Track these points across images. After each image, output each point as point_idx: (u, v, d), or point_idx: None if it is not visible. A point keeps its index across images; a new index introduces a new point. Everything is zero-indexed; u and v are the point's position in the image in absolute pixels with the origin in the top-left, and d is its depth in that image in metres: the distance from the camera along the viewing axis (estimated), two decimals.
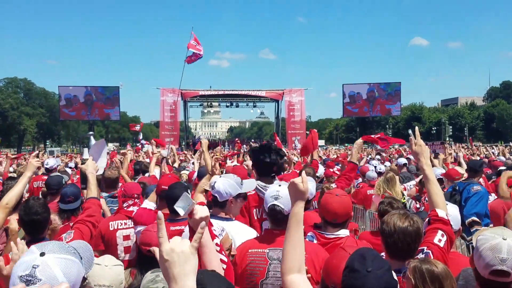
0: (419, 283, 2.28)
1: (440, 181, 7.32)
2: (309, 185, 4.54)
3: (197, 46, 11.97)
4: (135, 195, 4.86)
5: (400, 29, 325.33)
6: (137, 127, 32.20)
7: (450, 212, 3.35)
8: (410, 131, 3.43)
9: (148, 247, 3.19)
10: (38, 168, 4.77)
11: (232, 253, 3.01)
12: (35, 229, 3.56)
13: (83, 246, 2.09)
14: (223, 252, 2.51)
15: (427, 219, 2.99)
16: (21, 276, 1.49)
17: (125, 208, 4.79)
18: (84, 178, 4.51)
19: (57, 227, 4.37)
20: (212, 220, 3.04)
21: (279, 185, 3.23)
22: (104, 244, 4.53)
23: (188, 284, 1.49)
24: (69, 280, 1.52)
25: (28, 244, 3.44)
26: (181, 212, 2.37)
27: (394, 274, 1.97)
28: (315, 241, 3.31)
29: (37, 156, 4.84)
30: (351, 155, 5.50)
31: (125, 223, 4.64)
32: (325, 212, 3.37)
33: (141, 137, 28.75)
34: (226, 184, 3.53)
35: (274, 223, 3.15)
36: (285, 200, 3.03)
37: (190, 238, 2.46)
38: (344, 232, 3.32)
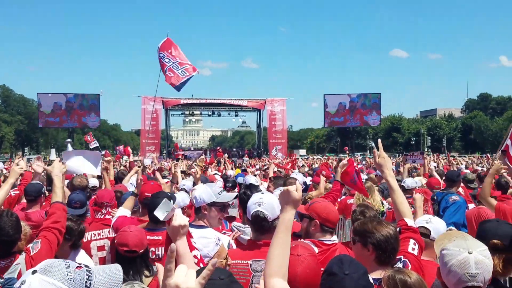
0: None
1: (409, 191, 7.42)
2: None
3: (172, 52, 11.16)
4: (105, 203, 4.83)
5: (380, 41, 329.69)
6: (89, 138, 32.15)
7: (434, 220, 3.50)
8: (372, 143, 3.53)
9: (125, 248, 3.20)
10: (21, 175, 4.66)
11: (229, 262, 2.96)
12: (4, 247, 3.32)
13: (108, 271, 1.67)
14: (200, 265, 2.52)
15: (398, 228, 3.02)
16: None
17: (100, 217, 4.76)
18: (50, 180, 4.19)
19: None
20: (201, 230, 3.06)
21: (262, 193, 3.22)
22: None
23: None
24: None
25: None
26: (161, 216, 2.38)
27: (370, 278, 2.05)
28: (316, 249, 3.29)
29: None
30: (337, 174, 5.57)
31: (99, 234, 4.58)
32: (322, 219, 3.42)
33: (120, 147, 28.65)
34: (202, 191, 3.53)
35: (258, 231, 3.10)
36: (268, 207, 3.02)
37: (166, 247, 2.48)
38: (335, 238, 3.46)
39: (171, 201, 2.62)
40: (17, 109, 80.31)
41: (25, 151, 73.97)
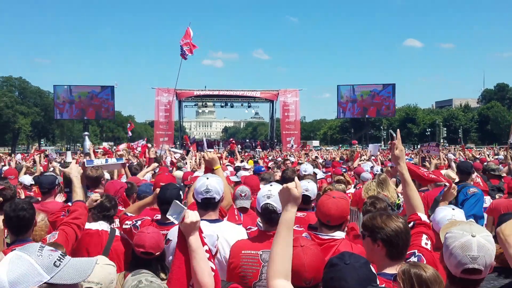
0: (406, 287, 2.28)
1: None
2: (310, 186, 4.54)
3: (189, 41, 12.19)
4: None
5: (393, 31, 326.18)
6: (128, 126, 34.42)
7: (458, 217, 3.37)
8: (391, 132, 3.46)
9: (141, 249, 3.20)
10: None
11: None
12: (21, 226, 3.56)
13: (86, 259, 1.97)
14: (212, 260, 2.52)
15: (411, 223, 3.00)
16: None
17: None
18: (68, 182, 4.50)
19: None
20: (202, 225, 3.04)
21: (271, 185, 3.23)
22: None
23: None
24: (10, 276, 1.50)
25: (12, 245, 3.46)
26: (175, 221, 2.41)
27: (372, 268, 2.05)
28: None
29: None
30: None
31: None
32: (320, 213, 3.36)
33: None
34: (219, 182, 3.53)
35: (268, 223, 3.15)
36: (277, 199, 2.96)
37: (178, 242, 2.49)
38: (339, 234, 3.29)
39: (181, 195, 2.64)
40: (33, 101, 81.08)
41: (41, 142, 74.73)
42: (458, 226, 2.38)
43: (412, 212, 3.16)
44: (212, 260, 2.51)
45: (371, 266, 2.06)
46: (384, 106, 57.68)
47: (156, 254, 3.24)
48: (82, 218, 3.77)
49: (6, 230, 3.82)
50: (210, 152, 4.41)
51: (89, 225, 3.98)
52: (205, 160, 4.34)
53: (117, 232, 4.13)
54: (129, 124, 39.68)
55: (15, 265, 1.51)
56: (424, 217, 3.06)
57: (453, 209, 3.45)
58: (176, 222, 2.42)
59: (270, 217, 3.09)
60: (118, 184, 5.14)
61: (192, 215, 2.39)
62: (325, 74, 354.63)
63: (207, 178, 3.52)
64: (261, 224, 3.72)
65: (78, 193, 3.97)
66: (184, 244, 2.43)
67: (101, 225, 4.07)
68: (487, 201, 6.82)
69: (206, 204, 3.46)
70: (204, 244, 2.46)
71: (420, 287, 2.25)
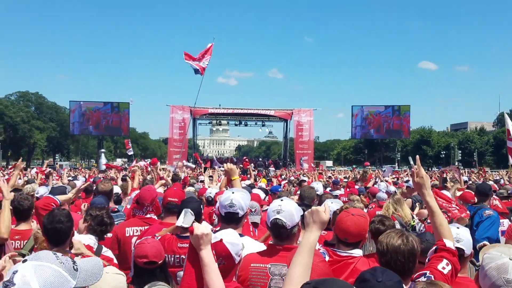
0: None
1: None
2: (333, 205, 4.50)
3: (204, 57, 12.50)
4: (146, 205, 4.87)
5: (408, 52, 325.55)
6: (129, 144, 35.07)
7: (463, 235, 3.30)
8: (410, 159, 3.38)
9: (145, 259, 3.17)
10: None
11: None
12: (57, 237, 3.58)
13: (88, 259, 2.06)
14: (236, 269, 2.48)
15: (434, 248, 2.95)
16: (3, 282, 1.52)
17: (143, 215, 4.84)
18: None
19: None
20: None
21: (281, 200, 3.22)
22: (119, 249, 4.55)
23: None
24: (42, 286, 1.52)
25: None
26: (185, 225, 2.37)
27: (404, 287, 1.99)
28: (327, 258, 3.25)
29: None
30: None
31: (141, 230, 4.65)
32: (338, 230, 3.33)
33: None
34: (244, 197, 3.53)
35: (277, 238, 3.14)
36: (287, 214, 3.03)
37: (189, 254, 2.46)
38: (357, 252, 3.26)
39: (201, 208, 2.62)
40: (49, 116, 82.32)
41: (56, 157, 75.57)
42: (497, 248, 2.38)
43: (438, 239, 3.09)
44: (236, 269, 2.47)
45: (403, 285, 2.00)
46: (399, 128, 57.42)
47: (159, 262, 3.22)
48: None
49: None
50: (229, 164, 4.65)
51: (77, 237, 3.97)
52: (225, 170, 4.51)
53: (104, 250, 4.10)
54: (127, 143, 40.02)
55: (43, 274, 1.51)
56: (449, 244, 2.97)
57: (458, 227, 3.39)
58: (186, 226, 2.38)
59: (279, 232, 3.08)
60: (154, 192, 5.11)
61: (202, 227, 2.34)
62: (339, 95, 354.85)
63: (233, 193, 3.53)
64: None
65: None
66: (195, 257, 2.39)
67: (88, 240, 4.05)
68: (505, 224, 6.67)
69: (229, 218, 3.47)
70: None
71: None
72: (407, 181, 12.79)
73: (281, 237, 3.07)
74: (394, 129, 57.40)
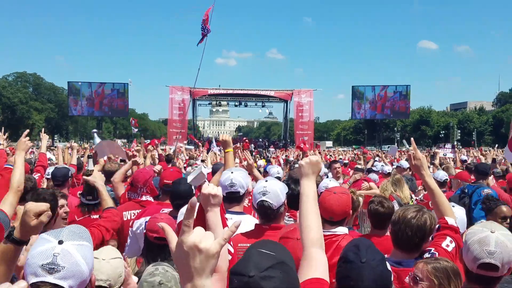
0: (443, 282, 2.28)
1: (443, 184, 7.30)
2: (332, 184, 4.47)
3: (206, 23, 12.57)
4: (139, 186, 4.79)
5: (408, 32, 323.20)
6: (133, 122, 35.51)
7: (457, 214, 3.33)
8: (404, 142, 3.38)
9: (155, 234, 3.17)
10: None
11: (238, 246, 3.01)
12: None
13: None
14: (231, 243, 2.40)
15: (437, 226, 3.00)
16: (42, 265, 1.52)
17: (137, 198, 4.76)
18: (90, 190, 4.58)
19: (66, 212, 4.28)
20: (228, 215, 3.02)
21: (266, 181, 3.27)
22: (118, 234, 4.49)
23: (204, 284, 1.28)
24: (88, 265, 1.59)
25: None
26: (194, 184, 2.32)
27: (388, 265, 1.99)
28: None
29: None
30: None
31: (138, 213, 4.60)
32: (322, 210, 3.31)
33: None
34: (243, 176, 3.56)
35: (264, 219, 3.21)
36: (273, 195, 3.11)
37: (197, 218, 2.35)
38: (341, 230, 3.26)
39: (193, 190, 2.60)
40: (47, 97, 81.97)
41: (55, 138, 75.47)
42: (480, 224, 2.43)
43: (440, 217, 3.10)
44: (231, 244, 2.43)
45: (387, 262, 2.00)
46: (399, 108, 57.17)
47: None
48: (111, 223, 3.77)
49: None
50: (225, 135, 4.65)
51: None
52: (221, 140, 4.57)
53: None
54: (133, 121, 40.39)
55: (86, 253, 1.62)
56: (451, 221, 2.99)
57: (453, 206, 3.45)
58: (188, 180, 2.35)
59: (266, 213, 3.16)
60: (147, 174, 5.01)
61: (210, 187, 2.19)
62: (339, 75, 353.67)
63: (232, 172, 3.56)
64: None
65: (107, 201, 4.01)
66: (202, 218, 2.19)
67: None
68: None
69: (231, 198, 3.50)
70: (225, 225, 2.29)
71: (455, 277, 2.32)
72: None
73: (269, 218, 3.16)
74: (394, 109, 57.05)
